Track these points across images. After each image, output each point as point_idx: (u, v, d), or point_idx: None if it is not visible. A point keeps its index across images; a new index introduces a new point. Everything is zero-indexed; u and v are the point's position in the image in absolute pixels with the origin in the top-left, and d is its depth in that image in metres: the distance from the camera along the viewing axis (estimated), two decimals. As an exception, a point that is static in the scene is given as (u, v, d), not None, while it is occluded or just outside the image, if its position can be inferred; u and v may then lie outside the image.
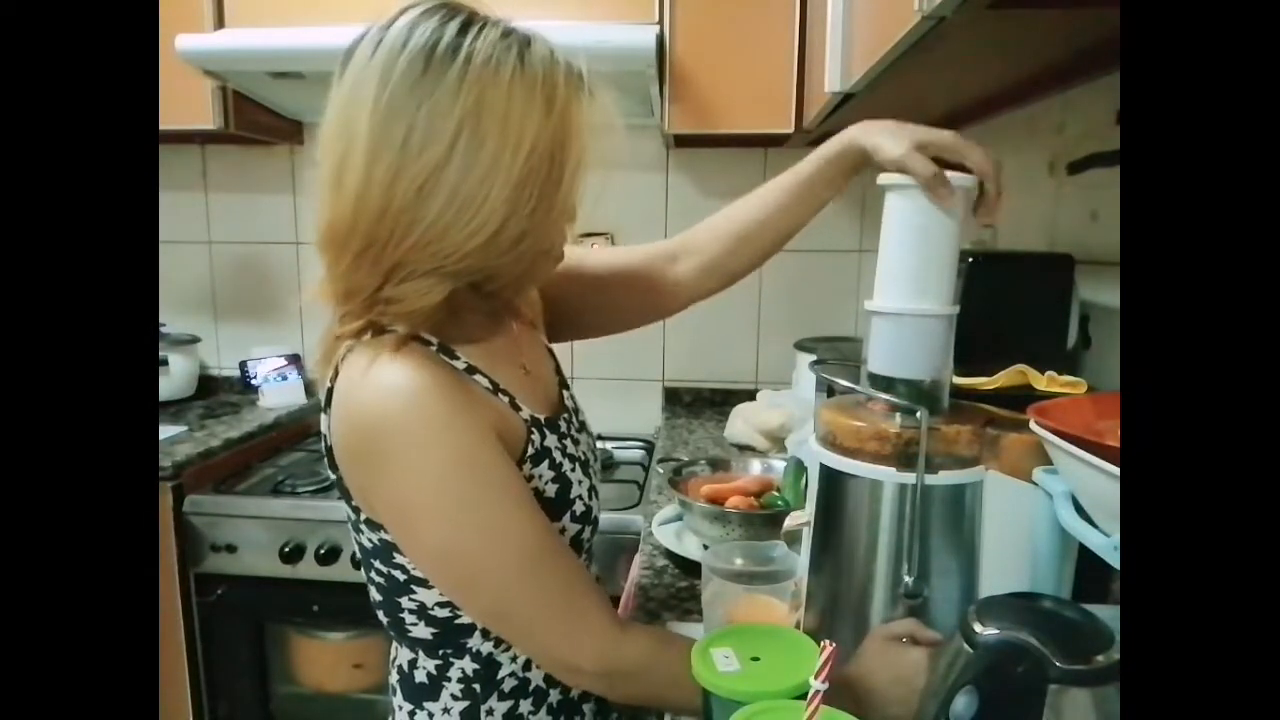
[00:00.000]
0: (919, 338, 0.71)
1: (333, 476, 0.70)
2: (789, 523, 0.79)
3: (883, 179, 0.72)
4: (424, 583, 0.69)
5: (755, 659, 0.58)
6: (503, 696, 0.73)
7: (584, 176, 0.66)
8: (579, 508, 0.74)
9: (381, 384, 0.62)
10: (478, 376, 0.69)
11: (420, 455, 0.62)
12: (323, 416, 0.68)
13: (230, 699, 1.61)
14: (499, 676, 0.73)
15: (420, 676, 0.74)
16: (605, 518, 1.44)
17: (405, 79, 0.60)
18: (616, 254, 0.96)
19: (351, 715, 1.60)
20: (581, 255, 0.92)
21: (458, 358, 0.69)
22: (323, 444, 0.70)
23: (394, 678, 0.78)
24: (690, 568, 1.09)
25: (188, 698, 1.59)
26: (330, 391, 0.66)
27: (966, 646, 0.52)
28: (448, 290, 0.64)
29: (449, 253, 0.62)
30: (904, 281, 0.71)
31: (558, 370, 0.86)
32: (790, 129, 1.54)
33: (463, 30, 0.62)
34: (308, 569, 1.49)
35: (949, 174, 0.69)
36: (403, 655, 0.76)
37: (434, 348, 0.68)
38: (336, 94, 0.63)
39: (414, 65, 0.60)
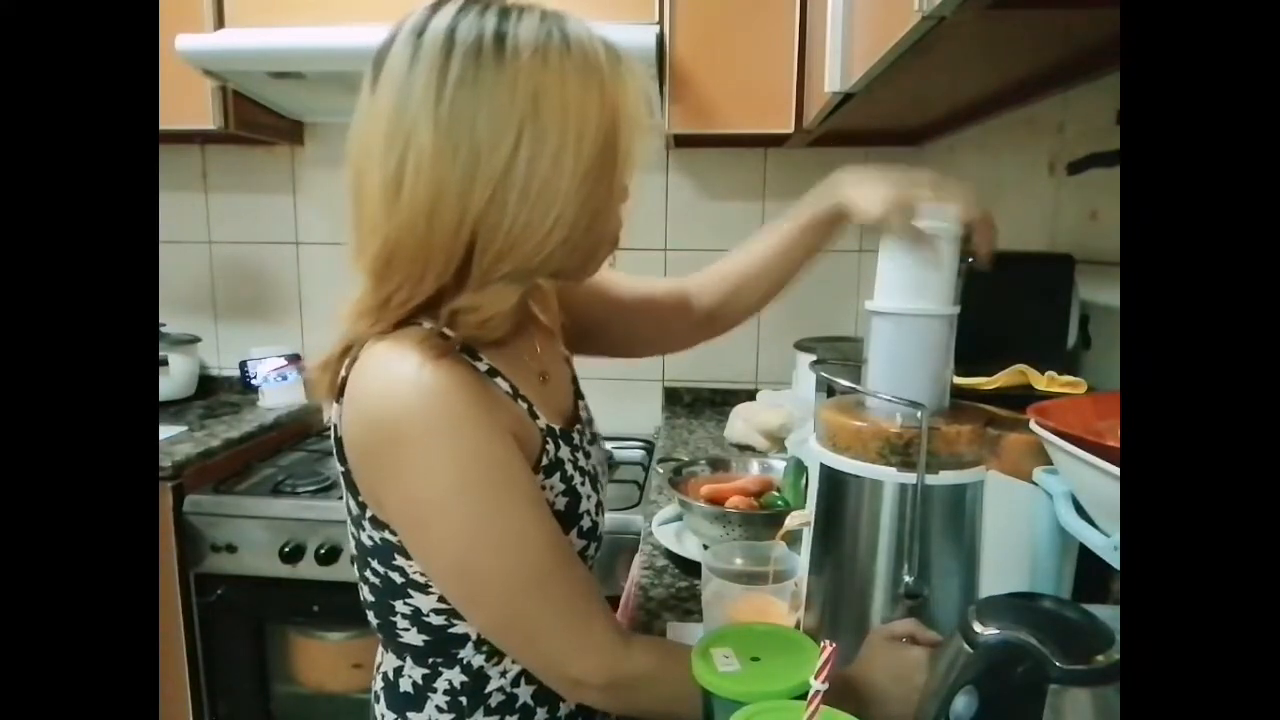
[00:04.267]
0: (919, 338, 0.71)
1: (340, 469, 0.68)
2: (789, 523, 0.79)
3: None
4: (422, 587, 0.68)
5: (755, 659, 0.58)
6: (489, 712, 0.72)
7: (636, 152, 0.65)
8: (586, 523, 0.73)
9: (402, 378, 0.60)
10: (499, 380, 0.68)
11: (439, 453, 0.61)
12: (334, 406, 0.66)
13: (230, 699, 1.61)
14: (486, 690, 0.72)
15: (405, 685, 0.73)
16: (605, 517, 1.44)
17: (460, 82, 0.59)
18: (642, 284, 0.97)
19: (351, 715, 1.60)
20: (612, 278, 0.93)
21: (480, 359, 0.68)
22: (332, 435, 0.68)
23: (378, 684, 0.76)
24: (690, 568, 1.09)
25: (188, 698, 1.59)
26: (343, 382, 0.65)
27: (966, 646, 0.52)
28: (521, 291, 0.63)
29: (531, 252, 0.61)
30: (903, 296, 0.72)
31: (574, 380, 0.85)
32: (790, 129, 1.54)
33: (502, 21, 0.60)
34: (308, 569, 1.49)
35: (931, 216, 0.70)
36: (389, 662, 0.75)
37: (457, 346, 0.65)
38: (375, 102, 0.61)
39: (466, 66, 0.59)
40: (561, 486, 0.70)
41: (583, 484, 0.73)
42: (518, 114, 0.59)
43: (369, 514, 0.67)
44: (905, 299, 0.71)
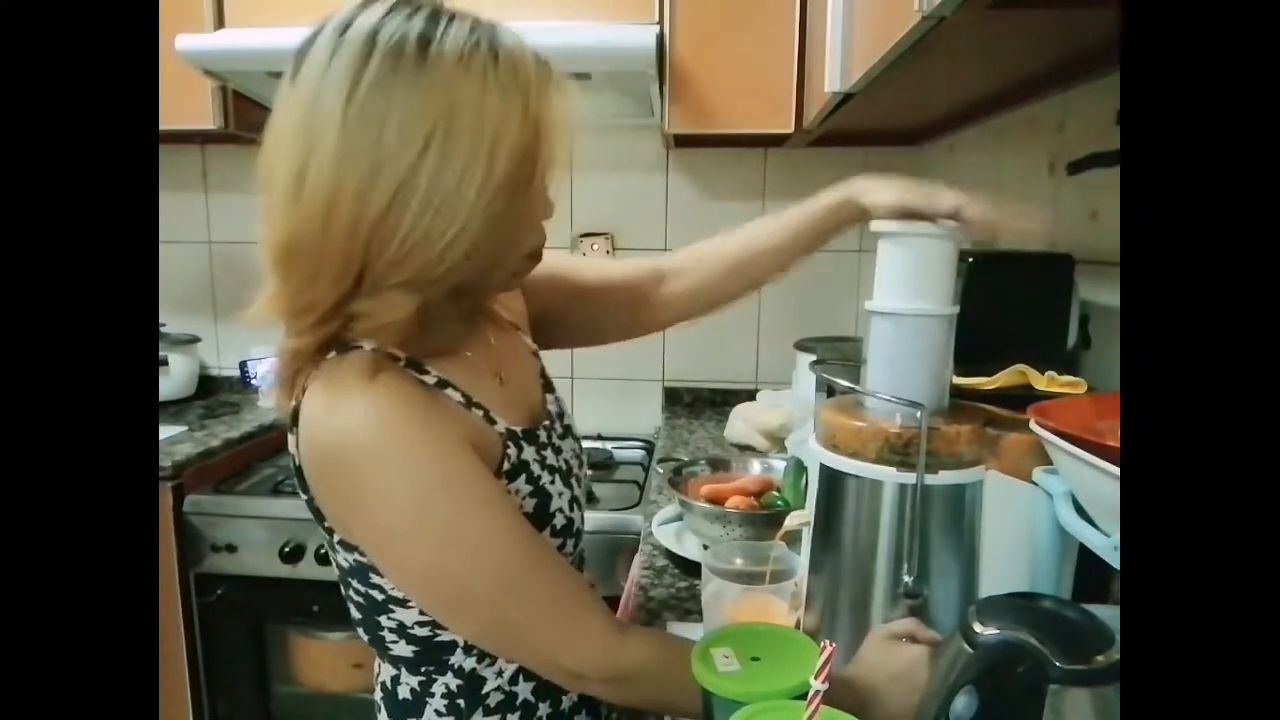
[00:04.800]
0: (919, 338, 0.71)
1: (304, 497, 0.67)
2: (789, 523, 0.79)
3: (876, 225, 0.75)
4: (403, 602, 0.67)
5: (755, 659, 0.58)
6: (488, 712, 0.72)
7: (556, 172, 0.64)
8: (559, 521, 0.72)
9: (348, 409, 0.59)
10: (449, 391, 0.67)
11: (393, 481, 0.60)
12: (289, 437, 0.66)
13: (230, 699, 1.61)
14: (484, 691, 0.72)
15: (403, 693, 0.73)
16: (605, 518, 1.44)
17: (373, 83, 0.57)
18: (607, 267, 0.95)
19: (351, 715, 1.60)
20: (573, 265, 0.92)
21: (427, 372, 0.67)
22: (292, 464, 0.67)
23: (378, 694, 0.76)
24: (690, 568, 1.09)
25: (188, 698, 1.59)
26: (296, 410, 0.63)
27: (966, 646, 0.52)
28: (418, 302, 0.61)
29: (427, 263, 0.59)
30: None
31: (542, 373, 0.84)
32: (790, 129, 1.54)
33: (429, 26, 0.59)
34: (308, 569, 1.49)
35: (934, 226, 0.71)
36: (385, 672, 0.75)
37: (401, 363, 0.65)
38: (290, 96, 0.60)
39: (382, 67, 0.57)
40: (529, 488, 0.70)
41: (552, 482, 0.72)
42: (429, 121, 0.57)
43: (338, 538, 0.67)
44: (905, 299, 0.71)
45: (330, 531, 0.68)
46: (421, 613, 0.68)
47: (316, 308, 0.61)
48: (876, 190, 0.79)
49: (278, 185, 0.59)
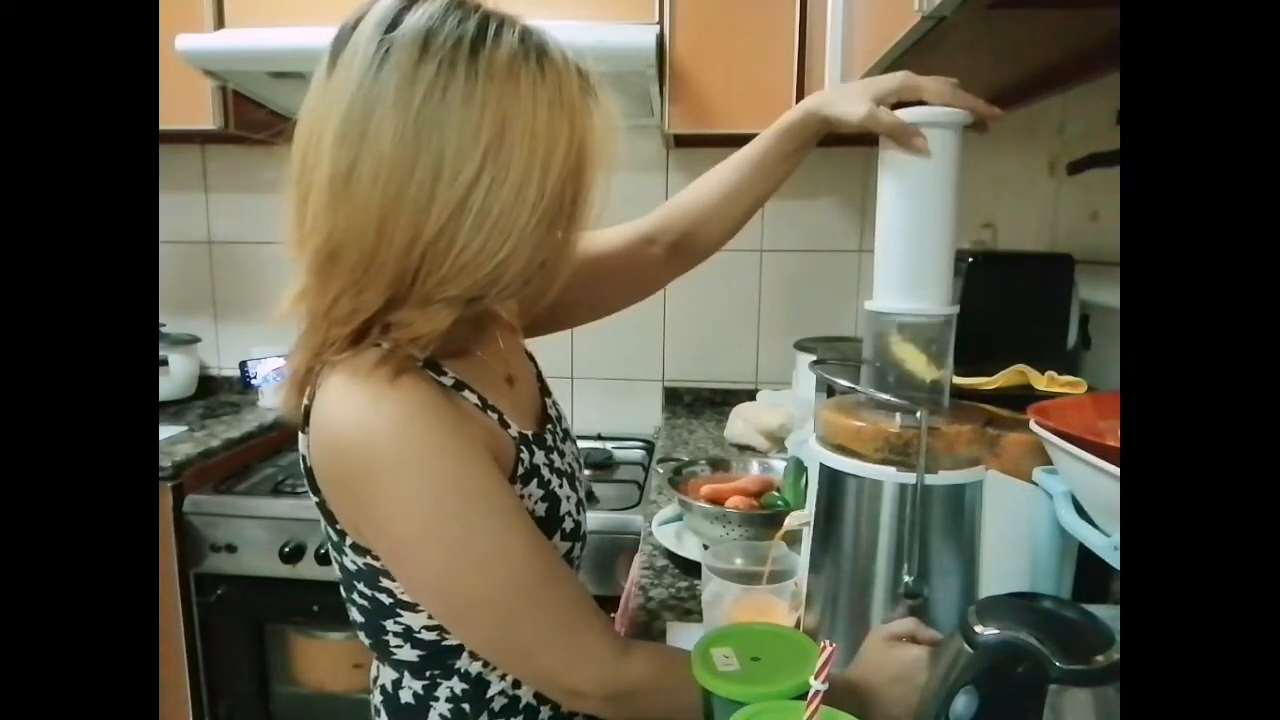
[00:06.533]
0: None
1: (314, 499, 0.66)
2: (789, 523, 0.79)
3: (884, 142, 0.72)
4: (411, 606, 0.66)
5: (755, 659, 0.58)
6: (493, 715, 0.71)
7: (599, 184, 0.63)
8: (568, 524, 0.72)
9: (367, 407, 0.58)
10: (466, 393, 0.66)
11: (412, 485, 0.59)
12: (300, 436, 0.65)
13: (230, 699, 1.61)
14: (488, 695, 0.71)
15: (406, 697, 0.72)
16: (605, 518, 1.45)
17: (429, 90, 0.55)
18: (593, 241, 0.92)
19: (351, 715, 1.60)
20: None
21: (445, 373, 0.66)
22: (301, 465, 0.66)
23: (377, 698, 0.75)
24: (690, 568, 1.09)
25: (188, 698, 1.59)
26: (307, 411, 0.62)
27: (966, 646, 0.52)
28: (457, 313, 0.60)
29: (482, 281, 0.58)
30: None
31: (539, 377, 0.83)
32: (790, 129, 1.54)
33: (480, 33, 0.57)
34: (308, 569, 1.49)
35: (931, 112, 0.69)
36: (386, 675, 0.73)
37: (419, 363, 0.63)
38: (329, 90, 0.57)
39: (438, 74, 0.55)
40: (540, 492, 0.69)
41: (560, 485, 0.72)
42: (485, 137, 0.56)
43: (349, 541, 0.66)
44: (905, 299, 0.70)
45: (341, 534, 0.66)
46: (430, 617, 0.67)
47: (359, 315, 0.60)
48: (841, 102, 0.75)
49: (318, 182, 0.58)
